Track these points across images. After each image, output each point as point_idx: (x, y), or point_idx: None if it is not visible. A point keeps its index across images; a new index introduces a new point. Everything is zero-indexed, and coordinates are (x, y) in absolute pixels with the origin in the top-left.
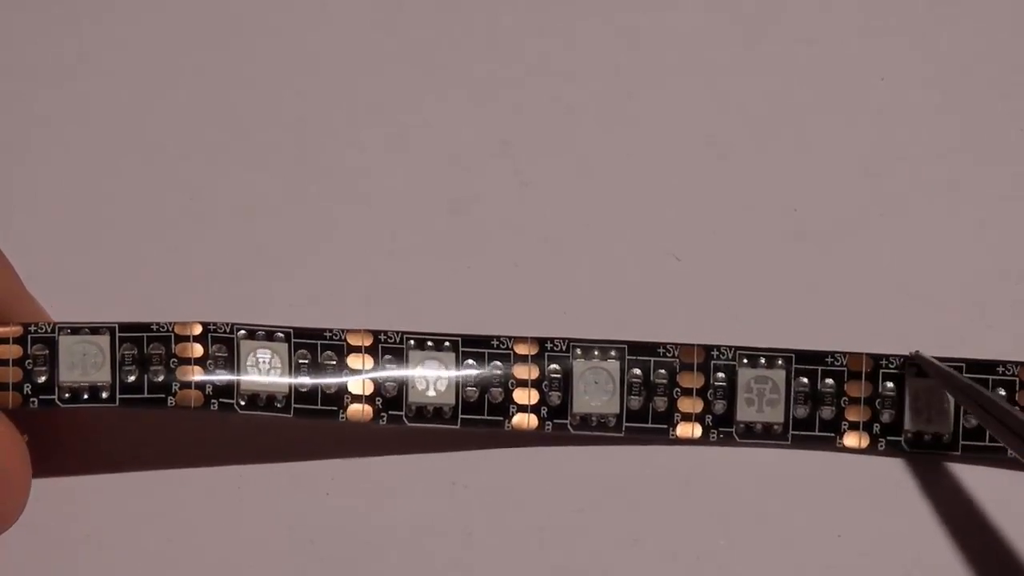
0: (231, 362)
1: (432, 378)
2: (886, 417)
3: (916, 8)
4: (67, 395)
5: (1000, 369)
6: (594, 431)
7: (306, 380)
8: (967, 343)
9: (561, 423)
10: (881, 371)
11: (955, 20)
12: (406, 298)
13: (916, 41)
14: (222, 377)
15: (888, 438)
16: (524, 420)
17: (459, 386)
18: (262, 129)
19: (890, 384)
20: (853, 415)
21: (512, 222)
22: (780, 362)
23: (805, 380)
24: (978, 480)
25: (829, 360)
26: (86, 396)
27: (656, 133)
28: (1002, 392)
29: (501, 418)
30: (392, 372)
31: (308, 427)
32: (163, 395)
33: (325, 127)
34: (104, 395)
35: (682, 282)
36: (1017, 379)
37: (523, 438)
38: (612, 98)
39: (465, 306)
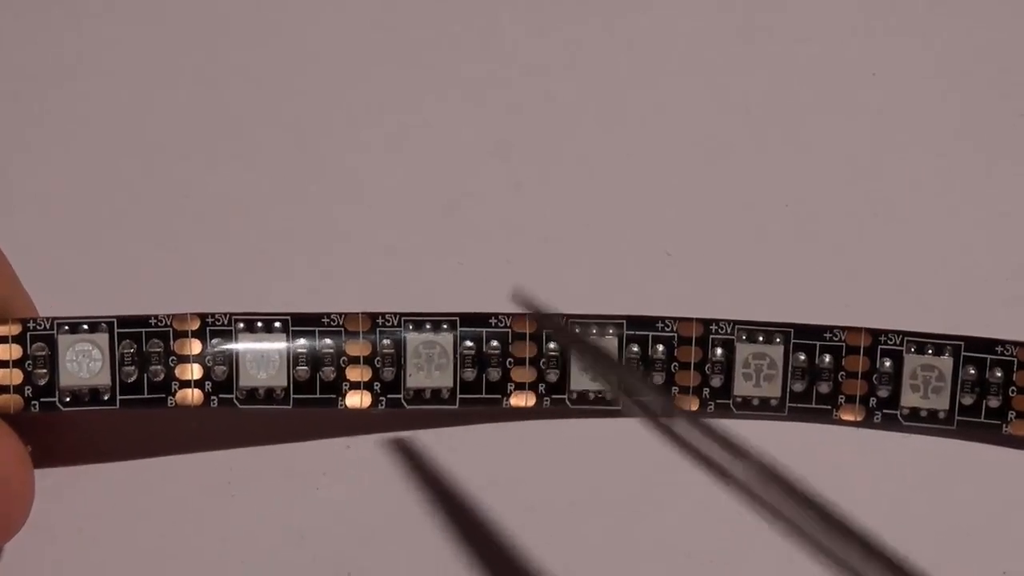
0: (229, 358)
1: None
2: (883, 392)
3: (915, 7)
4: (68, 398)
5: (999, 349)
6: (592, 406)
7: (304, 369)
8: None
9: (559, 399)
10: (879, 347)
11: (954, 18)
12: (401, 293)
13: (914, 39)
14: (222, 368)
15: (884, 411)
16: (521, 399)
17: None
18: (260, 128)
19: (888, 361)
20: (850, 389)
21: (505, 220)
22: (778, 338)
23: (803, 356)
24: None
25: (828, 335)
26: (87, 399)
27: (652, 132)
28: (998, 373)
29: (500, 396)
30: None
31: (299, 421)
32: (163, 395)
33: (322, 126)
34: (105, 397)
35: (674, 278)
36: (1016, 359)
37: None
38: (607, 97)
39: (458, 304)
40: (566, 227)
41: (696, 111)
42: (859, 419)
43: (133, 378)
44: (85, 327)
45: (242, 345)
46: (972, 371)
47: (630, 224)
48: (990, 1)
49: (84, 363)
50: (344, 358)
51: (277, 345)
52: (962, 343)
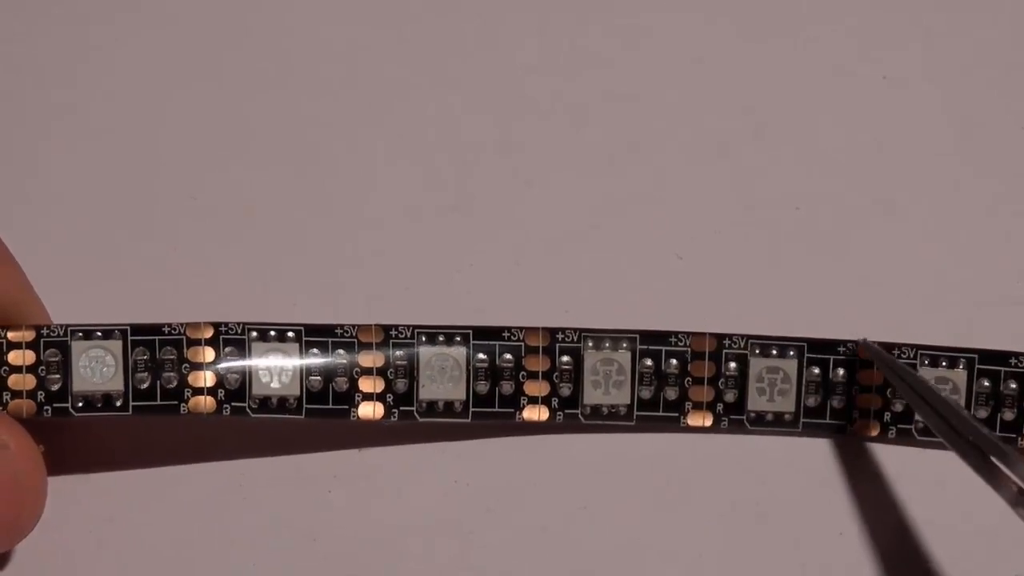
0: (242, 367)
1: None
2: (898, 406)
3: (919, 7)
4: (80, 404)
5: (1013, 361)
6: (605, 420)
7: (317, 380)
8: (974, 336)
9: (572, 413)
10: None
11: (957, 18)
12: (409, 297)
13: (918, 39)
14: (235, 376)
15: (899, 426)
16: (534, 412)
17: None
18: (268, 134)
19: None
20: (865, 403)
21: (514, 221)
22: (791, 352)
23: (816, 370)
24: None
25: (841, 349)
26: (99, 405)
27: (657, 132)
28: (1013, 385)
29: (513, 410)
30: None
31: (310, 425)
32: (176, 402)
33: (330, 129)
34: (118, 403)
35: (685, 281)
36: None
37: (533, 430)
38: (614, 97)
39: (467, 304)
40: (572, 227)
41: (699, 110)
42: (874, 434)
43: (146, 384)
44: (99, 334)
45: (255, 359)
46: (986, 383)
47: (633, 223)
48: (993, 2)
49: (97, 368)
50: (357, 369)
51: (291, 356)
52: (976, 356)
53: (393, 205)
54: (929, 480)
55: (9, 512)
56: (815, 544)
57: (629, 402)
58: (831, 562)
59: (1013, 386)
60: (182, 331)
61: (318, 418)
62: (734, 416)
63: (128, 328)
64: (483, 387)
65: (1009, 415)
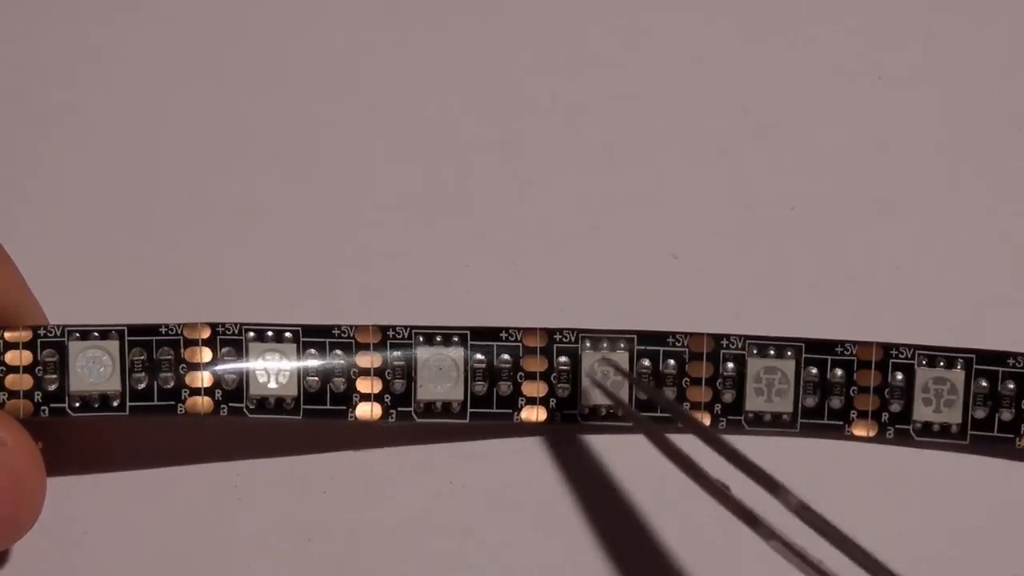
0: (239, 367)
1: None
2: (895, 407)
3: (919, 7)
4: (77, 404)
5: (1011, 361)
6: (603, 421)
7: (315, 380)
8: (974, 335)
9: (570, 414)
10: (891, 360)
11: (957, 18)
12: (406, 296)
13: (918, 39)
14: (232, 377)
15: (896, 427)
16: (532, 413)
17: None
18: (265, 129)
19: (900, 375)
20: (862, 404)
21: (513, 221)
22: (789, 352)
23: (815, 370)
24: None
25: (839, 350)
26: (96, 405)
27: (657, 132)
28: (1011, 386)
29: (511, 410)
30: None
31: (307, 426)
32: (173, 402)
33: (329, 129)
34: (115, 403)
35: (683, 282)
36: None
37: (531, 430)
38: (614, 97)
39: (464, 305)
40: (570, 227)
41: (705, 113)
42: (871, 435)
43: (143, 385)
44: (96, 334)
45: (252, 359)
46: (984, 384)
47: (631, 224)
48: (992, 2)
49: (94, 369)
50: (354, 370)
51: (288, 357)
52: (973, 356)
53: (392, 205)
54: (927, 480)
55: (8, 509)
56: (814, 544)
57: (627, 403)
58: (830, 562)
59: (1011, 386)
60: (179, 331)
61: (316, 419)
62: (732, 417)
63: (125, 328)
64: (481, 388)
65: (1007, 415)
